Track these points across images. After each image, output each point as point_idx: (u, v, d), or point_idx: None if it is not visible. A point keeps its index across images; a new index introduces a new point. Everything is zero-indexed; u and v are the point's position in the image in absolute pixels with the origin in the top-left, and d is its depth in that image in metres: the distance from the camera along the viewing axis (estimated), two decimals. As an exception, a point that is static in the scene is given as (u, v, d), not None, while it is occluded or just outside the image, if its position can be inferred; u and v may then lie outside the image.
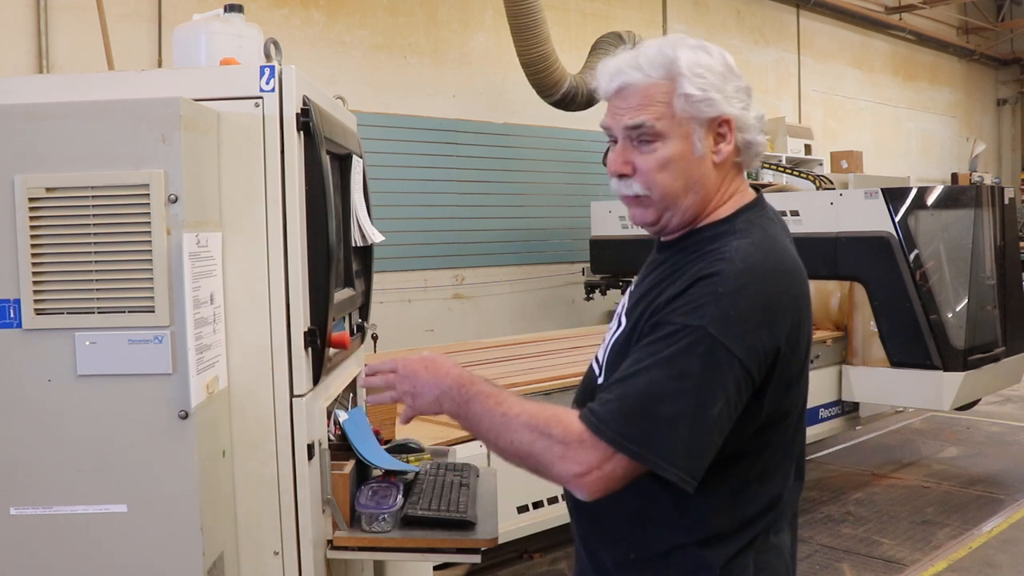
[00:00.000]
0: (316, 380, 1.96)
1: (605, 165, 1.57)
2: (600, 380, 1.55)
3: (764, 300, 1.39)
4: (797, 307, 1.45)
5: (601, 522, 1.56)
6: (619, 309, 1.64)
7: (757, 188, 1.62)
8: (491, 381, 1.54)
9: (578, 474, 1.36)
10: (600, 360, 1.61)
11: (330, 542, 2.02)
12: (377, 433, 2.32)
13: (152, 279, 1.67)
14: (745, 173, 1.58)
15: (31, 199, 1.67)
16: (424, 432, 3.42)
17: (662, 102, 1.46)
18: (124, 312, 1.68)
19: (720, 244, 1.46)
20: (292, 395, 1.88)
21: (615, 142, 1.53)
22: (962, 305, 5.36)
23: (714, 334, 1.34)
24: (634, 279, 1.69)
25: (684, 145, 1.47)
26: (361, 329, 2.54)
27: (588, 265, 7.53)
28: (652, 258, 1.62)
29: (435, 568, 3.26)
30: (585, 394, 1.62)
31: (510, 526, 3.48)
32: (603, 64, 1.54)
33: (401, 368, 1.56)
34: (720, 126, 1.48)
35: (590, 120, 7.72)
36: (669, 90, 1.46)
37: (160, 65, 5.78)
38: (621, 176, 1.51)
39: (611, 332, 1.59)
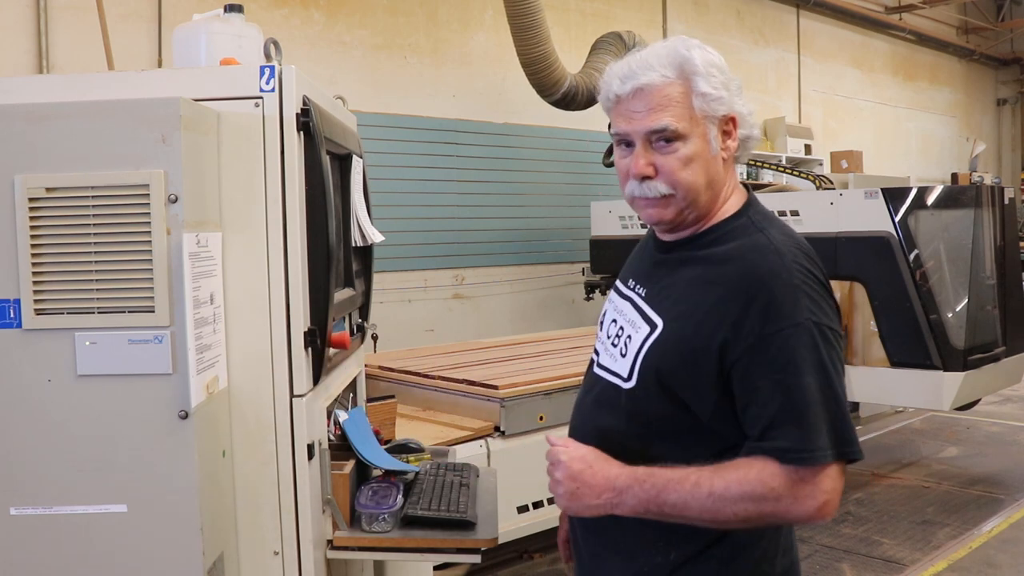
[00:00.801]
0: (316, 380, 1.96)
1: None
2: (630, 385, 1.55)
3: (819, 276, 1.49)
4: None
5: (651, 525, 1.51)
6: (619, 312, 1.65)
7: (745, 185, 1.64)
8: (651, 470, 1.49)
9: (818, 507, 1.40)
10: (617, 364, 1.59)
11: (330, 542, 2.02)
12: (377, 433, 2.32)
13: (152, 279, 1.67)
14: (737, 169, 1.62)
15: (31, 199, 1.67)
16: (424, 432, 3.43)
17: (680, 103, 1.49)
18: (124, 312, 1.68)
19: (750, 239, 1.51)
20: (292, 395, 1.88)
21: (628, 145, 1.54)
22: (962, 305, 5.36)
23: (817, 321, 1.43)
24: (626, 281, 1.69)
25: (703, 143, 1.51)
26: (361, 329, 2.54)
27: (588, 265, 7.52)
28: (658, 258, 1.64)
29: (435, 568, 3.26)
30: (604, 406, 1.61)
31: (510, 526, 3.48)
32: (611, 68, 1.56)
33: (566, 468, 1.53)
34: (727, 123, 1.53)
35: (590, 120, 7.72)
36: (686, 90, 1.49)
37: (160, 65, 5.77)
38: (644, 178, 1.52)
39: (635, 335, 1.57)
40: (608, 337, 1.65)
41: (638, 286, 1.64)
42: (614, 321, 1.65)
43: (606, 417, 1.59)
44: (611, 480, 1.49)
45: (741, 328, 1.42)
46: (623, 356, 1.58)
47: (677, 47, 1.51)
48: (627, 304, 1.64)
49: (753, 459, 1.42)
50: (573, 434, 1.67)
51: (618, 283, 1.72)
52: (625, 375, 1.56)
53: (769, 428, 1.41)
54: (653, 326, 1.54)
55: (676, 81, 1.49)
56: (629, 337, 1.58)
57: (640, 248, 1.74)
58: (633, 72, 1.50)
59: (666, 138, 1.49)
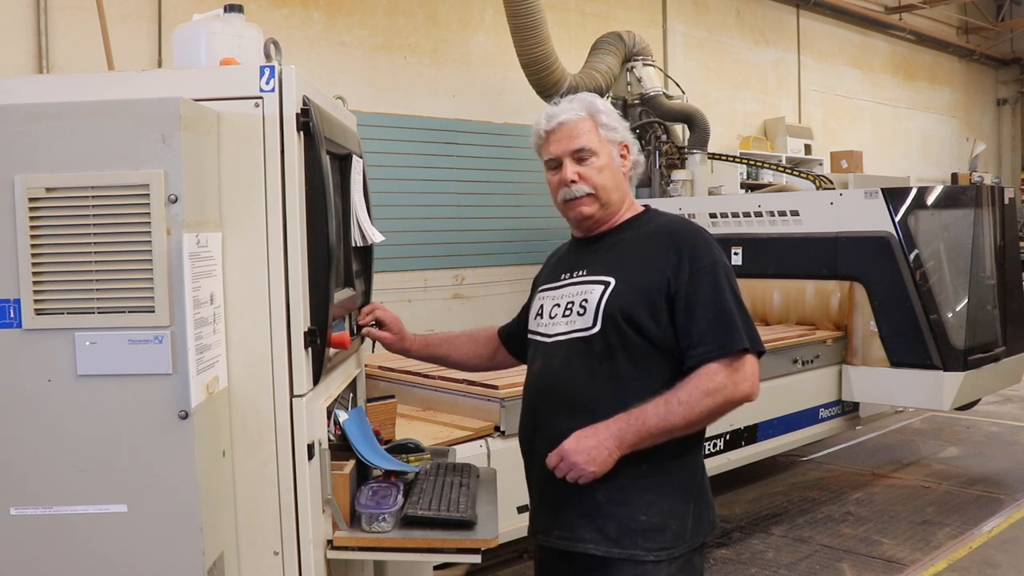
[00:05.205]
0: (316, 380, 1.96)
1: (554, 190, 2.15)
2: (596, 329, 2.02)
3: (711, 236, 2.12)
4: None
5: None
6: (560, 297, 2.11)
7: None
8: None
9: (750, 386, 1.95)
10: (578, 323, 2.05)
11: (330, 542, 2.02)
12: (377, 433, 2.32)
13: (152, 279, 1.67)
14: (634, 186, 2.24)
15: (31, 199, 1.67)
16: (424, 432, 3.42)
17: (590, 130, 2.11)
18: (124, 312, 1.68)
19: (663, 219, 2.16)
20: (292, 395, 1.88)
21: (557, 166, 2.12)
22: (962, 305, 5.36)
23: (723, 261, 2.05)
24: (558, 278, 2.18)
25: (608, 158, 2.13)
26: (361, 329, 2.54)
27: (588, 265, 7.52)
28: (588, 248, 2.16)
29: (435, 568, 3.26)
30: (574, 355, 2.04)
31: (510, 526, 3.47)
32: (542, 114, 2.15)
33: (569, 454, 1.94)
34: (623, 148, 2.16)
35: (590, 120, 7.71)
36: (593, 122, 2.12)
37: (160, 65, 5.78)
38: (573, 183, 2.09)
39: (591, 296, 2.05)
40: (552, 317, 2.13)
41: (575, 273, 2.14)
42: (557, 305, 2.13)
43: (578, 361, 2.04)
44: (607, 432, 1.93)
45: (678, 269, 2.00)
46: (581, 315, 2.05)
47: (584, 96, 2.17)
48: (568, 288, 2.13)
49: (697, 370, 1.94)
50: (546, 390, 2.09)
51: (544, 285, 2.22)
52: (590, 324, 2.03)
53: (704, 335, 1.95)
54: (606, 284, 2.05)
55: (586, 117, 2.11)
56: (585, 300, 2.06)
57: (557, 258, 2.29)
58: (555, 114, 2.12)
59: (583, 156, 2.09)
